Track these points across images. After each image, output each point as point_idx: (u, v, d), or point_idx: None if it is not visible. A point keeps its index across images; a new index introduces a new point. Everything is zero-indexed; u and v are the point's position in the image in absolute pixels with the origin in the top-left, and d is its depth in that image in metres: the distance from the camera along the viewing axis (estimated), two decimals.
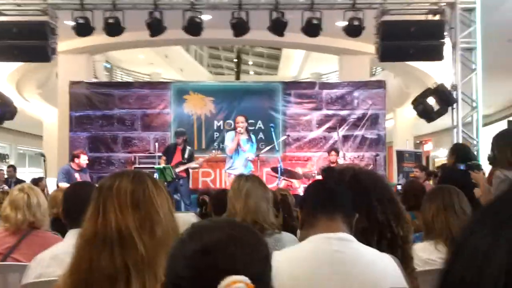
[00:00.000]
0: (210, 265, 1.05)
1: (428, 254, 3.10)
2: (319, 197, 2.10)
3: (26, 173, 21.67)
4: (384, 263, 1.94)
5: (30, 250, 3.08)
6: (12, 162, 22.18)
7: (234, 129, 9.95)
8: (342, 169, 2.61)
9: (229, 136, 10.16)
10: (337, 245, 1.95)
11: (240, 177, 3.53)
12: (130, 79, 20.56)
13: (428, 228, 3.25)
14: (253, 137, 10.27)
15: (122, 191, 1.76)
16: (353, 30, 9.33)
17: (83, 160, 9.39)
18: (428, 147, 22.03)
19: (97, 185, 1.90)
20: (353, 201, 2.10)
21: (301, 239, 2.13)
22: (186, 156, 9.98)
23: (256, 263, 1.08)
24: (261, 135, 12.21)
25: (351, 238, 1.99)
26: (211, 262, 1.05)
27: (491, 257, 0.38)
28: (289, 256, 2.00)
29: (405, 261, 2.22)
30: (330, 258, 1.94)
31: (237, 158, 9.86)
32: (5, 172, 13.21)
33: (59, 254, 2.50)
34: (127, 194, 1.76)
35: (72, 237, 2.32)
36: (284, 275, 1.87)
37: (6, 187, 9.86)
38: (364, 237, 2.04)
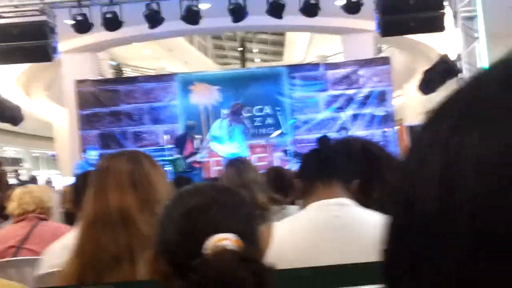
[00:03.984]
0: (194, 228, 1.07)
1: None
2: (315, 164, 2.08)
3: (41, 176, 21.86)
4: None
5: (41, 240, 3.14)
6: (27, 166, 22.41)
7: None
8: (348, 140, 2.60)
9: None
10: (336, 210, 1.94)
11: (225, 166, 3.58)
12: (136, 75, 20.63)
13: None
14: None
15: (118, 171, 1.77)
16: (352, 8, 9.27)
17: (89, 155, 9.52)
18: None
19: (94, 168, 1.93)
20: (357, 167, 2.10)
21: (302, 208, 2.13)
22: (196, 146, 10.05)
23: (239, 222, 1.10)
24: (269, 120, 12.22)
25: (350, 202, 1.97)
26: (194, 224, 1.08)
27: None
28: (289, 227, 1.99)
29: None
30: (329, 224, 1.92)
31: None
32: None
33: (69, 244, 2.51)
34: (124, 174, 1.76)
35: None
36: (286, 245, 1.87)
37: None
38: (379, 206, 2.02)
